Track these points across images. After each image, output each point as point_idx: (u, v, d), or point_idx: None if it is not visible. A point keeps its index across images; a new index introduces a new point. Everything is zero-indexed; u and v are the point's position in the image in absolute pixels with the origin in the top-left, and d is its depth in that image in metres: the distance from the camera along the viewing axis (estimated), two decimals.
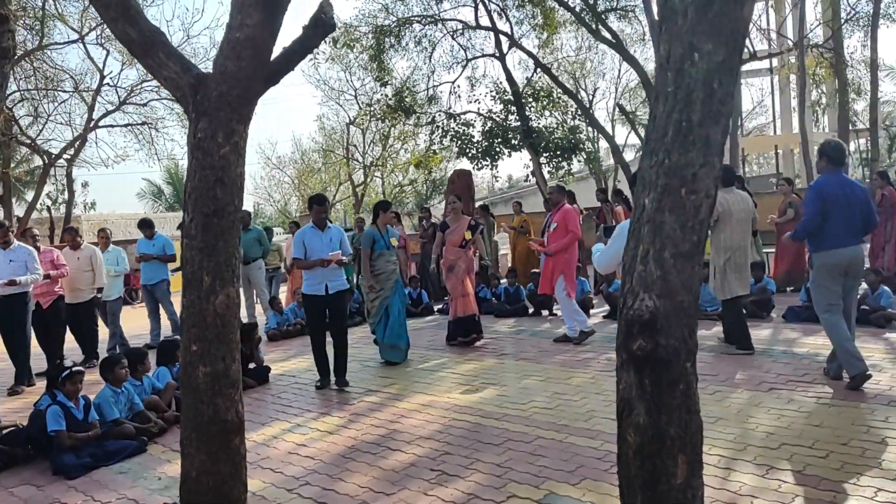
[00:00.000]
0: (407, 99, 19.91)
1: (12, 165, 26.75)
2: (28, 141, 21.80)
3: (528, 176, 22.25)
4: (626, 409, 2.04)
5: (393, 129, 27.76)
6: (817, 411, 5.17)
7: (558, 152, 20.61)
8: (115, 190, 76.89)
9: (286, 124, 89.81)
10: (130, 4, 3.44)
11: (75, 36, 22.31)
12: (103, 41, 22.54)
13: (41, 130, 22.87)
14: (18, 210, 27.25)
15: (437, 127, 20.46)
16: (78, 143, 24.49)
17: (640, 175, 2.06)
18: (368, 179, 37.95)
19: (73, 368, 5.56)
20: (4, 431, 5.57)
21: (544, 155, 20.60)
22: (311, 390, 7.00)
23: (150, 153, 24.41)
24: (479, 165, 20.58)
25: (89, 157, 27.52)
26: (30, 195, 28.93)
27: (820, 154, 6.02)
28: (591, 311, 10.42)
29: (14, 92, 22.36)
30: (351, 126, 34.09)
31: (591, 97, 31.13)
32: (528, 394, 6.20)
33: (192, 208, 3.49)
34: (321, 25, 3.68)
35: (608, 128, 28.95)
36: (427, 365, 7.74)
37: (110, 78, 24.38)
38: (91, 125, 23.60)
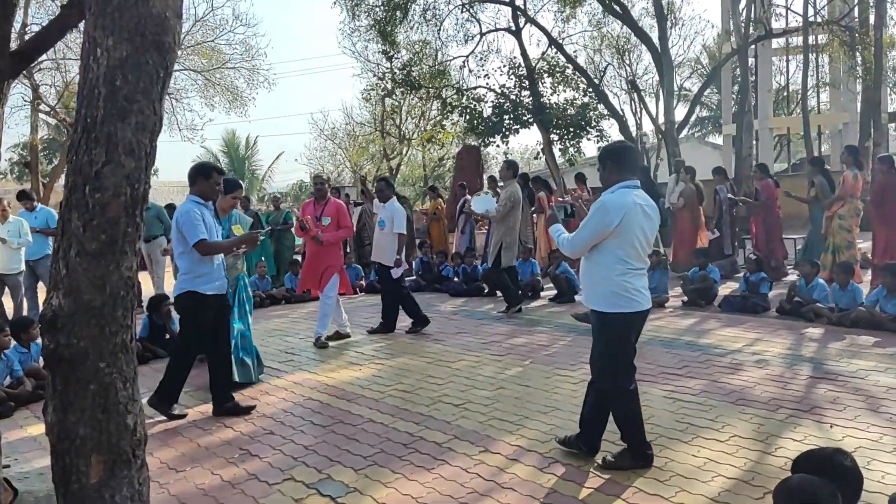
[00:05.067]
0: (414, 73, 19.78)
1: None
2: (48, 110, 22.40)
3: (538, 154, 21.89)
4: (44, 408, 2.01)
5: (403, 103, 27.61)
6: (656, 404, 5.01)
7: (571, 129, 20.25)
8: (183, 157, 79.19)
9: (336, 93, 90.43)
10: None
11: None
12: None
13: (59, 99, 23.49)
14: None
15: (445, 102, 20.30)
16: None
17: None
18: (405, 153, 38.02)
19: None
20: None
21: (555, 132, 20.26)
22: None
23: (170, 123, 24.83)
24: (487, 142, 20.38)
25: None
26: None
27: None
28: (541, 294, 10.32)
29: (43, 60, 23.15)
30: (387, 99, 34.13)
31: (634, 72, 30.33)
32: (402, 376, 6.17)
33: None
34: (77, 5, 3.68)
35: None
36: (340, 343, 7.75)
37: None
38: None
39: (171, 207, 11.68)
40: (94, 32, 1.89)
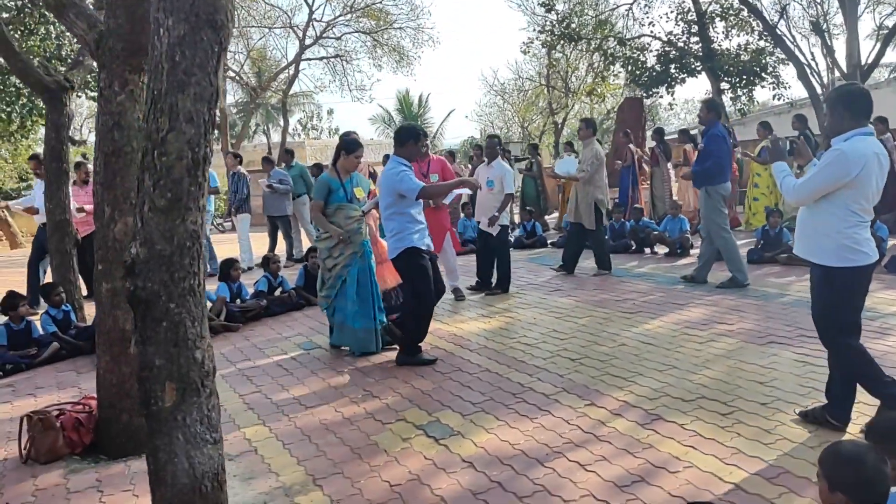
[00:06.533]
0: (574, 25, 19.34)
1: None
2: (233, 75, 24.18)
3: None
4: (130, 341, 2.31)
5: (568, 55, 26.98)
6: (784, 367, 4.81)
7: (743, 77, 19.02)
8: (357, 116, 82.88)
9: (507, 48, 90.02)
10: None
11: None
12: None
13: (242, 66, 25.25)
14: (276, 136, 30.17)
15: (606, 53, 19.71)
16: (290, 74, 26.87)
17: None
18: (570, 107, 37.39)
19: None
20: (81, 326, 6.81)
21: (726, 80, 19.12)
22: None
23: (342, 84, 26.06)
24: (651, 93, 19.63)
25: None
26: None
27: (708, 108, 7.76)
28: (691, 252, 9.97)
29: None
30: (553, 51, 33.62)
31: (825, 11, 27.68)
32: (527, 329, 6.30)
33: (96, 148, 4.10)
34: None
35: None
36: (477, 296, 7.97)
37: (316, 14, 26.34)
38: (294, 58, 25.79)
39: (317, 167, 12.21)
40: (157, 14, 2.16)
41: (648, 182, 12.48)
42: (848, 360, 3.79)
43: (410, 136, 5.57)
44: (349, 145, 5.86)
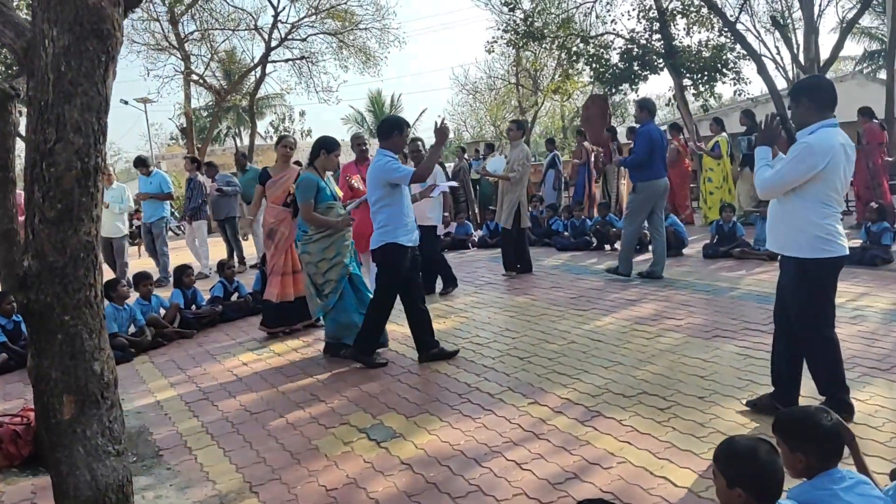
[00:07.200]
0: (537, 23, 19.40)
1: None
2: (196, 78, 23.95)
3: (669, 100, 20.96)
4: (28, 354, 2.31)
5: (535, 54, 27.11)
6: (724, 361, 4.87)
7: (705, 73, 19.21)
8: (330, 117, 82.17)
9: (477, 46, 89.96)
10: None
11: None
12: None
13: (206, 68, 25.02)
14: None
15: (570, 51, 19.80)
16: (257, 77, 26.66)
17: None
18: (540, 105, 37.53)
19: None
20: None
21: (688, 77, 19.29)
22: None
23: (308, 87, 25.95)
24: (615, 90, 19.75)
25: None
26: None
27: (641, 107, 7.92)
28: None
29: (193, 31, 24.81)
30: (522, 51, 33.71)
31: (788, 5, 28.04)
32: (480, 329, 6.33)
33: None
34: None
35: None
36: (433, 295, 7.98)
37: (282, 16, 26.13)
38: (259, 60, 25.56)
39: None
40: (42, 25, 2.15)
41: (599, 180, 12.59)
42: (825, 352, 3.79)
43: (395, 127, 5.43)
44: (330, 144, 5.77)
